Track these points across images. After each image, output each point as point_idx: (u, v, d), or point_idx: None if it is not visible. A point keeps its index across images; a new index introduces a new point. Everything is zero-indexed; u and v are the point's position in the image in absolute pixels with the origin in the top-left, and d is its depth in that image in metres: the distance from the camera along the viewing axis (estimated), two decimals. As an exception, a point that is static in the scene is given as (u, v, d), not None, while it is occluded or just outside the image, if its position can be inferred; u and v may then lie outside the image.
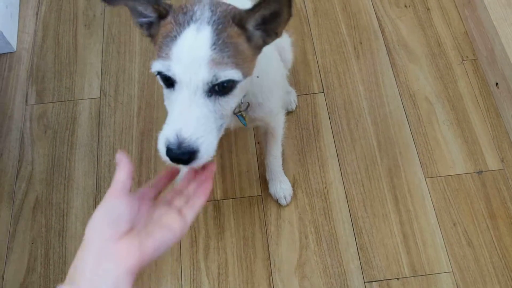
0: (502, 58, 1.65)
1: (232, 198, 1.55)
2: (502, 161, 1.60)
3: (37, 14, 1.93)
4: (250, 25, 0.84)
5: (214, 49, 0.78)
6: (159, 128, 0.79)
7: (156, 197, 0.80)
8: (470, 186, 1.56)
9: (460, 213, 1.52)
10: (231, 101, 0.84)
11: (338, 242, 1.49)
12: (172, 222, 0.73)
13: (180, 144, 0.76)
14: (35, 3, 1.96)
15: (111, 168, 1.61)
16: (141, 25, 0.91)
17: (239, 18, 0.83)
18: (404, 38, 1.85)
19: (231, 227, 1.51)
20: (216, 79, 0.78)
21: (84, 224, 1.51)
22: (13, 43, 1.84)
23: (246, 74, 0.83)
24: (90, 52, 1.84)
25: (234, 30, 0.82)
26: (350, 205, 1.54)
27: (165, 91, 0.85)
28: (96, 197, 1.57)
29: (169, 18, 0.84)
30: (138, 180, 1.59)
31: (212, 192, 1.56)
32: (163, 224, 0.72)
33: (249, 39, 0.85)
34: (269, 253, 1.47)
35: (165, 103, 0.87)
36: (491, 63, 1.72)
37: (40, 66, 1.82)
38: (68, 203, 1.56)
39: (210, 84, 0.79)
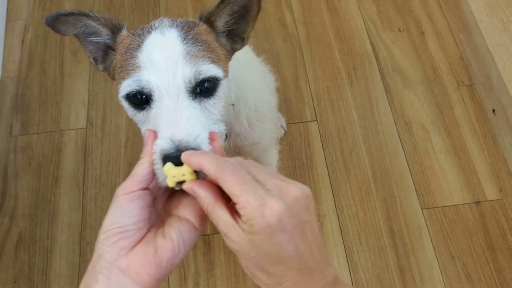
0: (498, 84, 1.61)
1: (223, 233, 1.50)
2: (501, 190, 1.56)
3: (23, 41, 1.89)
4: (219, 23, 0.80)
5: (186, 43, 0.73)
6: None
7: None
8: (468, 217, 1.52)
9: (458, 246, 1.47)
10: (218, 104, 0.76)
11: (332, 278, 1.43)
12: (188, 213, 0.64)
13: (177, 147, 0.65)
14: (21, 30, 1.92)
15: (97, 202, 1.56)
16: (95, 58, 0.86)
17: (206, 15, 0.79)
18: (399, 63, 1.81)
19: (221, 263, 1.46)
20: (199, 75, 0.71)
21: (69, 262, 1.47)
22: (-2, 71, 1.80)
23: (225, 74, 0.77)
24: (76, 80, 1.80)
25: (202, 28, 0.79)
26: (344, 238, 1.49)
27: (138, 116, 0.75)
28: (82, 233, 1.51)
29: (125, 32, 0.80)
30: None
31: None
32: (181, 217, 0.64)
33: (218, 39, 0.81)
34: (261, 290, 1.42)
35: (142, 131, 0.76)
36: (487, 89, 1.68)
37: (26, 95, 1.77)
38: (53, 239, 1.51)
39: (192, 83, 0.71)
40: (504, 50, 1.64)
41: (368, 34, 1.88)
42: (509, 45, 1.64)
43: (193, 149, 0.66)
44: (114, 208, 0.61)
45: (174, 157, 0.64)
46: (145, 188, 0.64)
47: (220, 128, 0.76)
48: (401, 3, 1.95)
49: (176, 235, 0.62)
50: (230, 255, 1.46)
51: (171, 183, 0.63)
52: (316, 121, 1.69)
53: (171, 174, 0.63)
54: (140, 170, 0.64)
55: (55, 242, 1.51)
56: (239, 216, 0.57)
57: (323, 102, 1.73)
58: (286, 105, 1.72)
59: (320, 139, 1.66)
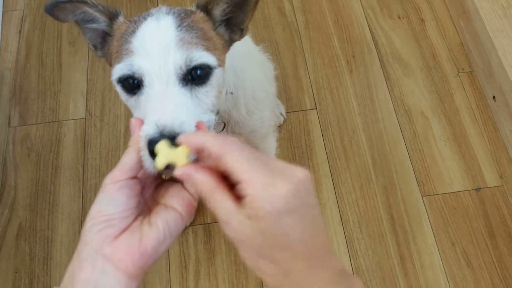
0: (499, 71, 1.60)
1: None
2: (501, 177, 1.55)
3: (20, 32, 1.88)
4: (217, 11, 0.79)
5: (180, 30, 0.72)
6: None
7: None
8: (468, 204, 1.51)
9: (458, 233, 1.47)
10: (210, 93, 0.75)
11: (333, 266, 1.43)
12: (176, 202, 0.62)
13: (161, 132, 0.64)
14: (18, 21, 1.91)
15: (97, 192, 1.54)
16: (95, 45, 0.87)
17: (204, 3, 0.79)
18: (398, 51, 1.80)
19: (222, 251, 1.46)
20: (190, 61, 0.70)
21: (69, 252, 1.46)
22: (-4, 62, 1.79)
23: (220, 63, 0.76)
24: (75, 70, 1.79)
25: (199, 15, 0.78)
26: (345, 226, 1.49)
27: (131, 101, 0.75)
28: (82, 222, 1.51)
29: (121, 19, 0.80)
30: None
31: (202, 215, 1.50)
32: (168, 206, 0.62)
33: (216, 28, 0.80)
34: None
35: (135, 116, 0.75)
36: (488, 75, 1.67)
37: (24, 86, 1.76)
38: (53, 229, 1.51)
39: (183, 69, 0.70)
40: (504, 36, 1.63)
41: (367, 22, 1.87)
42: (510, 31, 1.63)
43: (177, 135, 0.64)
44: (101, 196, 0.60)
45: (155, 142, 0.62)
46: (134, 177, 0.62)
47: (210, 118, 0.75)
48: (401, -10, 1.94)
49: (162, 224, 0.60)
50: (231, 243, 1.46)
51: (160, 163, 0.61)
52: (315, 109, 1.68)
53: (162, 153, 0.61)
54: (128, 159, 0.62)
55: (56, 232, 1.50)
56: (241, 202, 0.54)
57: (323, 90, 1.72)
58: (285, 94, 1.71)
59: (319, 127, 1.65)
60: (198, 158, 0.60)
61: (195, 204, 0.63)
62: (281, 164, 0.56)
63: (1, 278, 1.44)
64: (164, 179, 0.66)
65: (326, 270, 0.56)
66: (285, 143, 1.61)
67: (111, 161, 1.61)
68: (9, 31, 1.89)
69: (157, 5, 1.88)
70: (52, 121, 1.69)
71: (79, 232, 1.48)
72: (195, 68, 0.72)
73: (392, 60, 1.78)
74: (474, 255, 1.44)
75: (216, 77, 0.75)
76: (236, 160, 0.54)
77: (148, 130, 0.64)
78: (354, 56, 1.79)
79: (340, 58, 1.79)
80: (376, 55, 1.79)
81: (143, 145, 0.63)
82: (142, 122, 0.67)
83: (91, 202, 1.52)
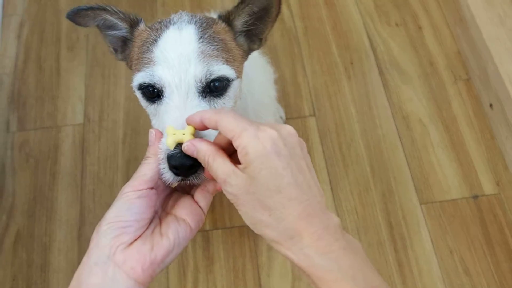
0: (495, 79, 1.61)
1: (222, 229, 1.50)
2: (498, 184, 1.56)
3: (18, 37, 1.88)
4: (238, 22, 0.80)
5: (202, 42, 0.73)
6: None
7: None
8: (466, 212, 1.52)
9: (456, 240, 1.48)
10: (227, 104, 0.77)
11: (331, 273, 1.44)
12: (186, 214, 0.65)
13: (181, 148, 0.65)
14: (16, 26, 1.90)
15: (96, 198, 1.55)
16: (115, 49, 0.88)
17: (226, 14, 0.79)
18: (396, 58, 1.81)
19: (220, 258, 1.46)
20: (210, 75, 0.72)
21: (67, 259, 1.46)
22: (-6, 67, 1.79)
23: (238, 74, 0.78)
24: (73, 76, 1.79)
25: (221, 26, 0.79)
26: (343, 233, 1.49)
27: (150, 109, 0.77)
28: (80, 229, 1.51)
29: (142, 26, 0.81)
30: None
31: (201, 222, 1.50)
32: (178, 217, 0.65)
33: (236, 38, 0.81)
34: (260, 285, 1.42)
35: (153, 123, 0.78)
36: (484, 83, 1.68)
37: (22, 91, 1.76)
38: (51, 236, 1.50)
39: (203, 82, 0.72)
40: (501, 44, 1.64)
41: (365, 29, 1.88)
42: (506, 39, 1.64)
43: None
44: (120, 202, 0.62)
45: (178, 157, 0.64)
46: (152, 188, 0.64)
47: None
48: (398, -3, 1.95)
49: (173, 235, 0.63)
50: (229, 250, 1.46)
51: (170, 143, 0.65)
52: (314, 116, 1.69)
53: (171, 132, 0.65)
54: (148, 170, 0.64)
55: (54, 239, 1.50)
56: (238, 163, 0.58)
57: (321, 97, 1.73)
58: (284, 100, 1.71)
59: (318, 134, 1.66)
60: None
61: (204, 217, 0.66)
62: (270, 123, 0.61)
63: (-1, 285, 1.44)
64: (174, 189, 0.68)
65: (324, 221, 0.58)
66: (283, 149, 1.61)
67: (110, 167, 1.61)
68: (7, 36, 1.88)
69: (156, 9, 1.90)
70: (50, 127, 1.68)
71: (77, 238, 1.48)
72: (214, 80, 0.73)
73: (390, 67, 1.79)
74: (472, 263, 1.45)
75: (233, 88, 0.77)
76: (228, 121, 0.58)
77: (168, 145, 0.66)
78: (352, 63, 1.80)
79: (338, 65, 1.80)
80: (374, 62, 1.80)
81: (162, 158, 0.66)
82: (161, 134, 0.68)
83: (89, 208, 1.53)
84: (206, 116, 0.61)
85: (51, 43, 1.86)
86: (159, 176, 0.65)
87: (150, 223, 0.64)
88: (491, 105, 1.65)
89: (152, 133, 0.68)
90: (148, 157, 0.66)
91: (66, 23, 1.91)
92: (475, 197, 1.54)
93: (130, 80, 1.78)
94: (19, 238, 1.50)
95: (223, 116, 0.59)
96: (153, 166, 0.65)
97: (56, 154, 1.63)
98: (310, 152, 1.60)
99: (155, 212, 0.66)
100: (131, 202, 0.61)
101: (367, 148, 1.63)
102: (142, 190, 0.62)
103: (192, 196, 0.68)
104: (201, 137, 0.65)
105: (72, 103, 1.73)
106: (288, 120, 1.67)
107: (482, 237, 1.48)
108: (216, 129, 0.61)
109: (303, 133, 1.65)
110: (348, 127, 1.67)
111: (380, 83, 1.75)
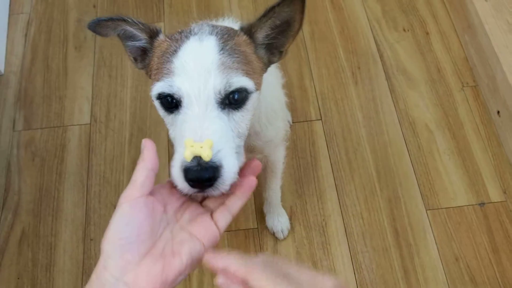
0: (503, 86, 1.61)
1: (227, 231, 1.49)
2: (505, 192, 1.56)
3: (26, 35, 1.88)
4: (260, 35, 0.80)
5: (223, 53, 0.73)
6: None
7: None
8: (472, 219, 1.52)
9: (462, 247, 1.48)
10: (246, 116, 0.76)
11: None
12: (202, 234, 0.63)
13: (199, 161, 0.65)
14: (24, 24, 1.90)
15: (101, 198, 1.55)
16: (135, 58, 0.88)
17: (247, 26, 0.79)
18: (403, 63, 1.81)
19: (226, 261, 1.45)
20: (229, 87, 0.71)
21: (72, 258, 1.46)
22: (1, 66, 1.78)
23: (257, 86, 0.77)
24: (80, 75, 1.79)
25: (242, 38, 0.79)
26: (349, 238, 1.49)
27: (168, 119, 0.76)
28: (85, 229, 1.50)
29: (162, 37, 0.81)
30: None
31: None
32: (193, 236, 0.62)
33: (256, 51, 0.80)
34: (265, 289, 1.42)
35: (170, 133, 0.77)
36: (492, 90, 1.68)
37: (29, 90, 1.76)
38: (56, 235, 1.50)
39: (222, 94, 0.71)
40: (510, 51, 1.64)
41: (372, 34, 1.88)
42: (515, 46, 1.64)
43: (216, 165, 0.66)
44: (118, 217, 0.60)
45: (194, 171, 0.65)
46: (149, 195, 0.62)
47: (240, 143, 0.76)
48: (406, 3, 1.95)
49: (186, 256, 0.61)
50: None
51: (187, 156, 0.65)
52: (320, 120, 1.69)
53: (189, 144, 0.65)
54: (138, 176, 0.63)
55: (59, 238, 1.50)
56: None
57: (328, 101, 1.73)
58: (291, 104, 1.71)
59: (324, 138, 1.65)
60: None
61: (219, 238, 0.65)
62: (308, 275, 0.57)
63: (4, 284, 1.43)
64: (189, 198, 0.67)
65: None
66: (290, 153, 1.61)
67: (116, 168, 1.60)
68: (15, 35, 1.88)
69: (163, 11, 1.90)
70: (57, 126, 1.68)
71: (83, 239, 1.48)
72: (233, 92, 0.72)
73: (397, 73, 1.79)
74: (478, 270, 1.44)
75: (252, 101, 0.76)
76: (261, 282, 0.54)
77: (185, 156, 0.66)
78: (359, 68, 1.80)
79: (345, 69, 1.80)
80: (381, 67, 1.80)
81: (177, 171, 0.66)
82: (153, 145, 0.66)
83: (94, 208, 1.53)
84: (232, 268, 0.57)
85: (59, 42, 1.86)
86: (150, 180, 0.63)
87: (160, 237, 0.62)
88: (498, 112, 1.65)
89: (143, 143, 0.67)
90: (138, 163, 0.64)
91: (73, 22, 1.92)
92: (482, 204, 1.54)
93: (137, 81, 1.79)
94: (24, 237, 1.50)
95: (255, 275, 0.55)
96: (142, 171, 0.63)
97: (62, 153, 1.63)
98: (316, 156, 1.60)
99: (163, 221, 0.64)
100: (129, 215, 0.60)
101: (373, 153, 1.63)
102: (137, 198, 0.61)
103: (211, 213, 0.67)
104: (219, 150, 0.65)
105: (79, 103, 1.73)
106: (294, 123, 1.67)
107: (488, 245, 1.48)
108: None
109: (310, 137, 1.65)
110: (355, 131, 1.67)
111: (387, 88, 1.75)
